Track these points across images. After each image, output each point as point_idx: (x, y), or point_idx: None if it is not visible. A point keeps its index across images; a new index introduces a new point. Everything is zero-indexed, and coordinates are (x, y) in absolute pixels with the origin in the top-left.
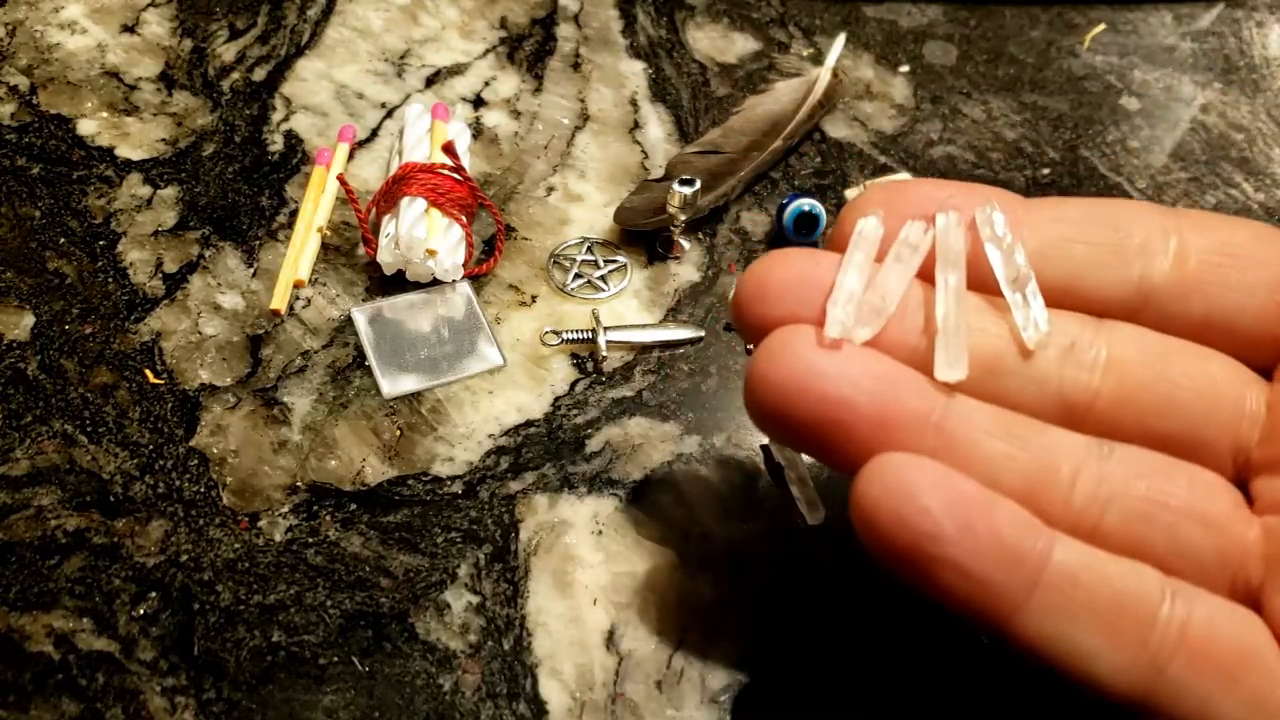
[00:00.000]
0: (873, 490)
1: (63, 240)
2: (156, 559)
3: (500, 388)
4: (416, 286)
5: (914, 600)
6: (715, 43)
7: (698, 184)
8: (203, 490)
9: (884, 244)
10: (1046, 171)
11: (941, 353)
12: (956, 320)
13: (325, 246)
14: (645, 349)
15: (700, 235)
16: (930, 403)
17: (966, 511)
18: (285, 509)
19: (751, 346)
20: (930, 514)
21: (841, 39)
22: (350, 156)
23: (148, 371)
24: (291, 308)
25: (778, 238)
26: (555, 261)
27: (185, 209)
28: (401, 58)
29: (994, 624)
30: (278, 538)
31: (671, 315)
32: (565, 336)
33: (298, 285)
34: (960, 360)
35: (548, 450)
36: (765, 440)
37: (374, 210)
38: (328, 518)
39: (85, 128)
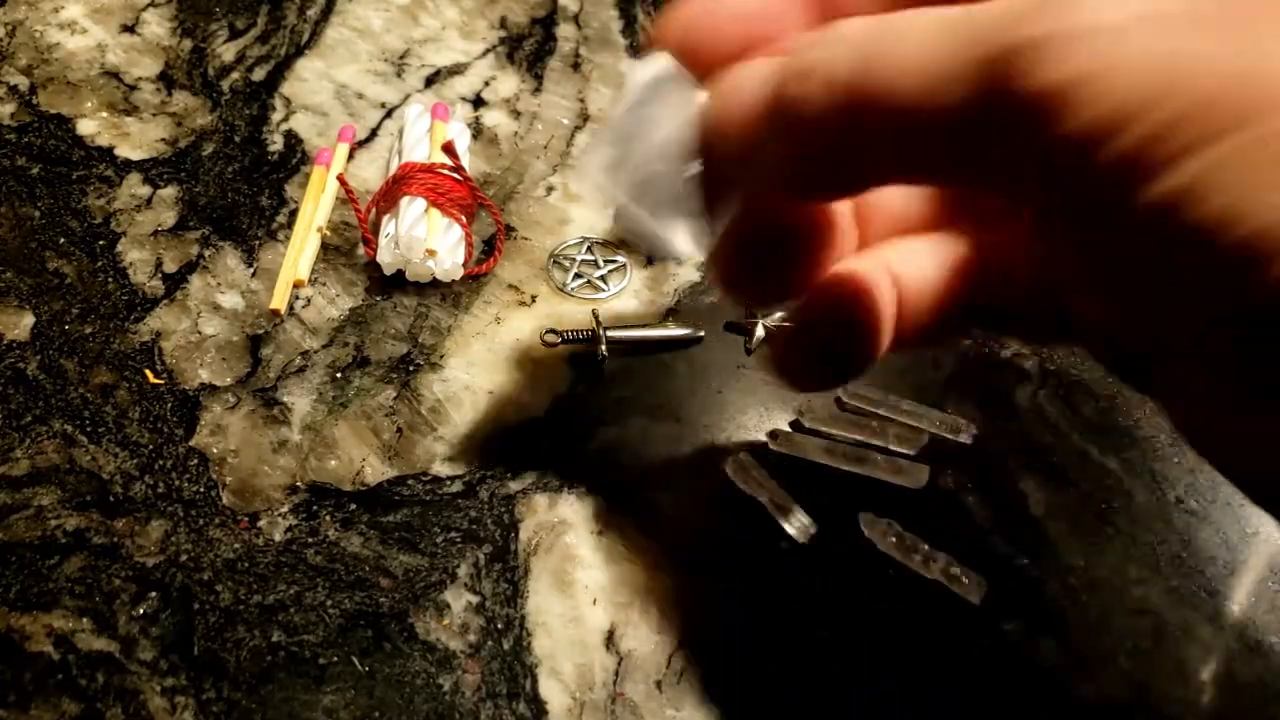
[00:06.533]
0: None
1: (63, 240)
2: (156, 559)
3: (500, 387)
4: None
5: (910, 600)
6: None
7: None
8: (203, 490)
9: None
10: None
11: None
12: None
13: (325, 246)
14: (645, 349)
15: None
16: None
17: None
18: (285, 509)
19: (752, 348)
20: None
21: None
22: (350, 156)
23: (148, 371)
24: (291, 308)
25: None
26: (555, 261)
27: (185, 209)
28: (401, 58)
29: None
30: (278, 538)
31: (671, 315)
32: (565, 336)
33: (298, 285)
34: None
35: (548, 450)
36: (730, 475)
37: (374, 210)
38: (328, 518)
39: (85, 128)
